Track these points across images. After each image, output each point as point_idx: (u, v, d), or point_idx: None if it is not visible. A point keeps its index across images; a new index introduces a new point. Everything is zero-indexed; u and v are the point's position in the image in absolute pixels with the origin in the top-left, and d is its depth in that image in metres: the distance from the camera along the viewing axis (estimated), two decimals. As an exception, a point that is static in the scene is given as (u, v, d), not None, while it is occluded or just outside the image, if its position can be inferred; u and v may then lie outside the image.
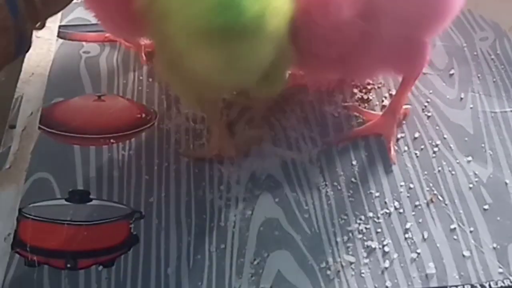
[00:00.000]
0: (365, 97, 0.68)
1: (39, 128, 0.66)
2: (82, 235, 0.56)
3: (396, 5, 0.55)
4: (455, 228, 0.57)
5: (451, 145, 0.64)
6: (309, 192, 0.60)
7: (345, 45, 0.56)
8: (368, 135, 0.64)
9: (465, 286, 0.53)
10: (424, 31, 0.60)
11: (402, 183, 0.61)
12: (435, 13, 0.58)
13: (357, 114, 0.66)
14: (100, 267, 0.55)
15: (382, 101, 0.68)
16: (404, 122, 0.65)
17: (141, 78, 0.71)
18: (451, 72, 0.71)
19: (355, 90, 0.69)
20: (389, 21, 0.56)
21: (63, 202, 0.59)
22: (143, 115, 0.67)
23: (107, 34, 0.76)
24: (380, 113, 0.66)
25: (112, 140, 0.65)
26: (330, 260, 0.55)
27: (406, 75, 0.64)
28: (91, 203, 0.59)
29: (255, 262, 0.55)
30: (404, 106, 0.66)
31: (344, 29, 0.55)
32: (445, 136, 0.64)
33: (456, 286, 0.53)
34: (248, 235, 0.57)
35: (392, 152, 0.63)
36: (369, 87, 0.69)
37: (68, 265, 0.54)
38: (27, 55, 0.74)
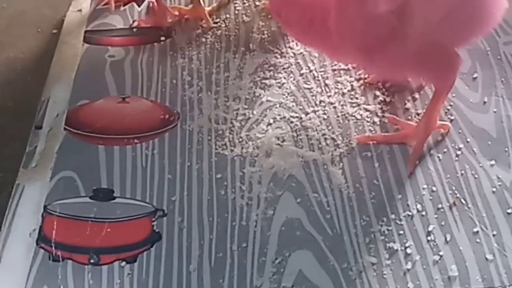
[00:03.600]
0: (388, 99, 0.68)
1: (65, 129, 0.67)
2: (106, 232, 0.57)
3: (432, 9, 0.55)
4: (478, 232, 0.57)
5: (474, 149, 0.63)
6: (331, 193, 0.60)
7: (374, 38, 0.56)
8: (397, 143, 0.64)
9: (488, 289, 0.53)
10: (457, 39, 0.60)
11: (425, 186, 0.60)
12: (471, 24, 0.58)
13: (396, 126, 0.66)
14: (123, 263, 0.55)
15: (405, 104, 0.68)
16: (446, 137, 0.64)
17: (164, 80, 0.72)
18: (475, 76, 0.70)
19: (378, 93, 0.69)
20: (423, 24, 0.56)
21: (87, 199, 0.60)
22: (166, 116, 0.68)
23: None
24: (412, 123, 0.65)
25: (135, 141, 0.65)
26: (352, 261, 0.55)
27: (437, 85, 0.63)
28: (114, 201, 0.60)
29: (277, 261, 0.55)
30: (442, 122, 0.65)
31: (377, 22, 0.55)
32: (468, 139, 0.64)
33: (479, 288, 0.53)
34: (270, 234, 0.57)
35: (412, 166, 0.62)
36: (391, 89, 0.69)
37: (92, 261, 0.55)
38: (54, 59, 0.76)
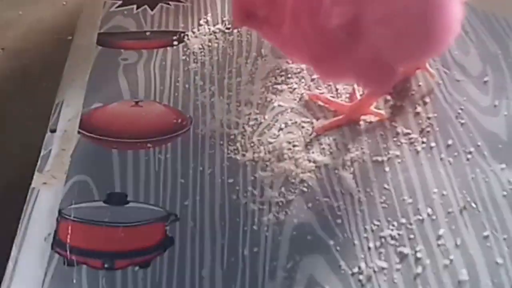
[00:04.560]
0: (398, 103, 0.68)
1: (79, 132, 0.68)
2: (119, 236, 0.58)
3: (382, 32, 0.58)
4: (488, 236, 0.57)
5: (485, 153, 0.63)
6: (342, 197, 0.60)
7: (323, 48, 0.60)
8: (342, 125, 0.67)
9: (499, 294, 0.53)
10: (402, 62, 0.64)
11: (435, 190, 0.61)
12: (420, 47, 0.62)
13: (325, 105, 0.69)
14: (137, 268, 0.56)
15: (415, 108, 0.68)
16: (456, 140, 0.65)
17: (177, 84, 0.73)
18: (485, 79, 0.70)
19: (388, 97, 0.69)
20: (371, 43, 0.59)
21: (101, 204, 0.61)
22: (179, 121, 0.69)
23: None
24: (346, 103, 0.69)
25: (149, 145, 0.66)
26: (363, 265, 0.55)
27: (371, 91, 0.66)
28: (128, 205, 0.61)
29: (288, 266, 0.56)
30: (378, 111, 0.68)
31: (327, 35, 0.58)
32: (479, 143, 0.64)
33: (490, 293, 0.53)
34: (281, 239, 0.58)
35: (320, 130, 0.66)
36: (402, 94, 0.69)
37: (106, 265, 0.56)
38: (68, 62, 0.77)
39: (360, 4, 0.57)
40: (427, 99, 0.69)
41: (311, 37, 0.59)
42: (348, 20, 0.57)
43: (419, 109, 0.68)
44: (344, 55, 0.60)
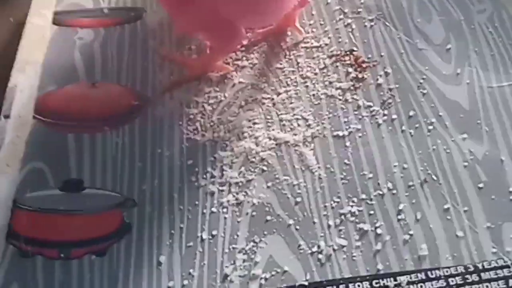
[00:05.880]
0: (360, 76, 0.67)
1: (34, 117, 0.66)
2: (76, 225, 0.57)
3: None
4: (449, 208, 0.57)
5: (447, 123, 0.63)
6: (302, 175, 0.60)
7: None
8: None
9: (458, 268, 0.53)
10: (243, 20, 0.64)
11: (396, 164, 0.60)
12: (257, 7, 0.62)
13: (177, 63, 0.70)
14: (93, 257, 0.55)
15: (377, 79, 0.67)
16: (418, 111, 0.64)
17: (135, 63, 0.71)
18: (448, 47, 0.69)
19: (350, 70, 0.68)
20: None
21: (57, 191, 0.59)
22: (137, 101, 0.67)
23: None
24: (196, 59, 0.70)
25: (106, 127, 0.65)
26: (322, 244, 0.55)
27: (218, 49, 0.68)
28: (84, 191, 0.59)
29: (247, 248, 0.55)
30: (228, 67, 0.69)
31: None
32: (441, 113, 0.64)
33: (449, 267, 0.53)
34: (240, 220, 0.57)
35: (171, 86, 0.67)
36: (364, 65, 0.68)
37: (62, 255, 0.55)
38: (21, 43, 0.74)
39: None
40: (389, 70, 0.68)
41: None
42: None
43: (380, 80, 0.67)
44: (195, 6, 0.60)
